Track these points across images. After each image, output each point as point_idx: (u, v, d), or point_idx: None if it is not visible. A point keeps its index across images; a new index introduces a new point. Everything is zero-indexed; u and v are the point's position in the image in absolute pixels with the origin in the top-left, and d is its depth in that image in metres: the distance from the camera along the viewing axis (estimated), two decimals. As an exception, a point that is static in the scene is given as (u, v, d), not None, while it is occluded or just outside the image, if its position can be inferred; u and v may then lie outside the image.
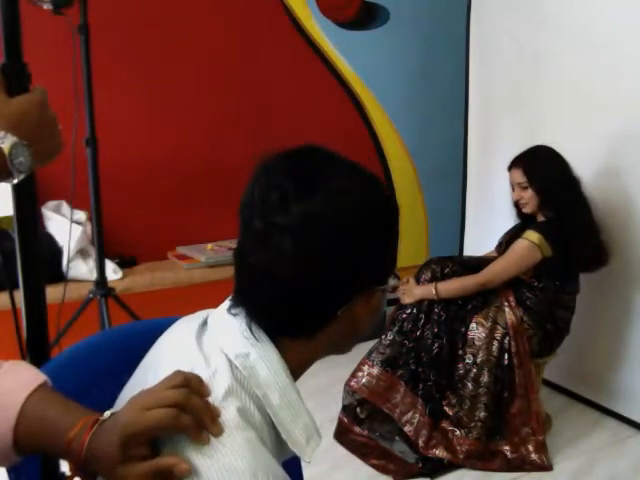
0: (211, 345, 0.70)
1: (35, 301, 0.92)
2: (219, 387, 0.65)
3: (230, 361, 0.68)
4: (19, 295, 0.90)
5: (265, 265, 0.67)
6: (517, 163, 2.24)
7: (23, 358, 0.93)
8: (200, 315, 0.78)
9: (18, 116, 0.72)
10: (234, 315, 0.72)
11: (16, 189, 0.86)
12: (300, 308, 0.69)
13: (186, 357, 0.69)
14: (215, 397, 0.64)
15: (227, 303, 0.75)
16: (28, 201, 0.89)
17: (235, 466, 0.59)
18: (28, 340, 0.92)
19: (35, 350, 0.92)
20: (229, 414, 0.63)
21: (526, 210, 2.25)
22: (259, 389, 0.67)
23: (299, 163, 0.70)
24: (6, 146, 0.68)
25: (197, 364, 0.68)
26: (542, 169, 2.21)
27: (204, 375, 0.66)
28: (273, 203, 0.65)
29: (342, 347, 0.77)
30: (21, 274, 0.91)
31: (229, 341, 0.70)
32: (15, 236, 0.89)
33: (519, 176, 2.22)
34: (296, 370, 0.72)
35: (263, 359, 0.68)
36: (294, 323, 0.70)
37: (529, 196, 2.21)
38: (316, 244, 0.65)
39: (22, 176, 0.71)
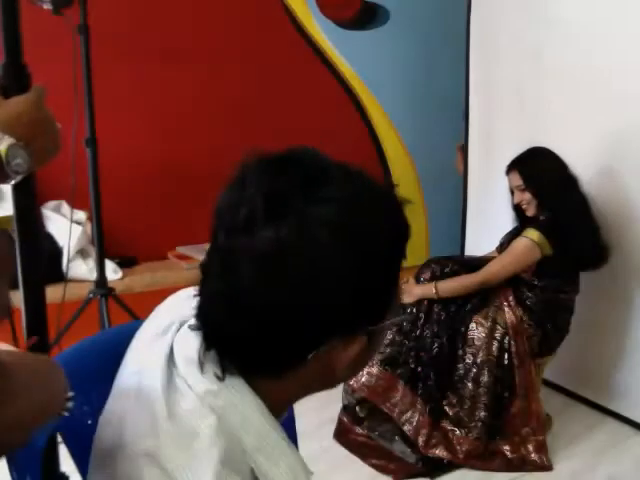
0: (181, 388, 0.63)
1: (35, 301, 0.92)
2: (202, 433, 0.59)
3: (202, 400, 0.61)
4: (17, 295, 0.90)
5: (223, 288, 0.59)
6: (513, 166, 2.24)
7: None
8: (166, 330, 0.70)
9: (13, 116, 0.71)
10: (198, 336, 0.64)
11: (16, 188, 0.86)
12: (259, 346, 0.60)
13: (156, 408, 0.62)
14: (199, 449, 0.58)
15: (191, 320, 0.67)
16: (28, 200, 0.89)
17: None
18: (28, 339, 0.92)
19: (35, 350, 0.92)
20: (211, 459, 0.57)
21: (529, 213, 2.24)
22: (235, 431, 0.60)
23: (276, 177, 0.58)
24: (2, 148, 0.67)
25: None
26: (538, 170, 2.22)
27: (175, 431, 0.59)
28: (239, 221, 0.57)
29: (320, 389, 0.68)
30: (21, 274, 0.90)
31: (196, 376, 0.63)
32: (15, 236, 0.89)
33: (516, 179, 2.22)
34: (273, 407, 0.64)
35: (233, 397, 0.61)
36: (253, 360, 0.62)
37: (528, 198, 2.21)
38: (281, 278, 0.56)
39: (20, 177, 0.70)
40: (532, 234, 2.16)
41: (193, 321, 0.66)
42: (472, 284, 2.21)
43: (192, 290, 0.68)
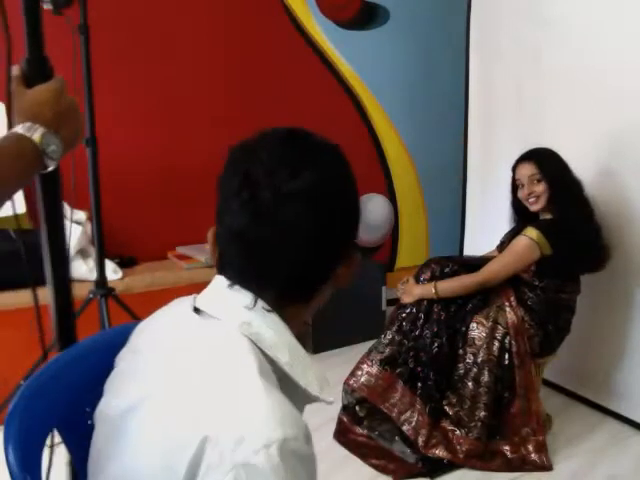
0: (213, 320, 0.73)
1: (63, 294, 0.94)
2: (240, 348, 0.67)
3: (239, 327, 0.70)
4: (36, 292, 0.91)
5: (276, 237, 0.69)
6: (527, 158, 2.22)
7: (44, 352, 0.95)
8: (180, 305, 0.80)
9: (37, 105, 0.74)
10: (235, 290, 0.73)
11: (42, 182, 0.88)
12: (309, 274, 0.73)
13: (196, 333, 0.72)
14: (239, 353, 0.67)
15: (213, 289, 0.77)
16: (54, 193, 0.90)
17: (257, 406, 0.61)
18: (58, 331, 0.94)
19: (64, 341, 0.95)
20: (251, 369, 0.65)
21: (536, 207, 2.21)
22: (269, 351, 0.69)
23: (283, 147, 0.73)
24: (37, 136, 0.70)
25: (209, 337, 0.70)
26: (552, 163, 2.21)
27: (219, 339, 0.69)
28: (281, 175, 0.68)
29: (321, 305, 0.80)
30: (50, 269, 0.91)
31: (229, 313, 0.72)
32: (42, 230, 0.91)
33: (531, 169, 2.19)
34: (295, 332, 0.75)
35: (266, 324, 0.71)
36: (300, 290, 0.74)
37: (541, 190, 2.18)
38: (325, 208, 0.70)
39: (55, 164, 0.73)
40: (531, 233, 2.15)
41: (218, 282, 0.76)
42: (472, 284, 2.20)
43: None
